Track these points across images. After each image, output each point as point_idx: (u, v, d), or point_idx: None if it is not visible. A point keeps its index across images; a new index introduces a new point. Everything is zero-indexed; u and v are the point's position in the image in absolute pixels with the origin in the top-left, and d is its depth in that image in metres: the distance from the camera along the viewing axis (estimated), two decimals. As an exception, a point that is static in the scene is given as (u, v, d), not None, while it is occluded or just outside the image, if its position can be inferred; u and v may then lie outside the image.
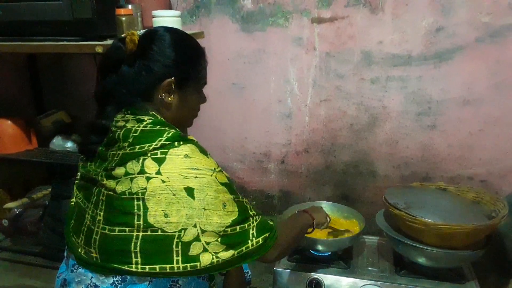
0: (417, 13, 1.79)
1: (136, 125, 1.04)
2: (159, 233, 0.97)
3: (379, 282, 1.55)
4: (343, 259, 1.68)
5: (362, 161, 2.05)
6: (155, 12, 1.73)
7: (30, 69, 2.37)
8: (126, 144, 1.02)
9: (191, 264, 0.98)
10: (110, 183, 1.01)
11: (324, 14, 1.89)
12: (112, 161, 1.02)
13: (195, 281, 1.12)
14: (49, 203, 2.11)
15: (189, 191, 0.98)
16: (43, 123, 2.17)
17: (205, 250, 0.99)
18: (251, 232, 1.06)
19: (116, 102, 1.08)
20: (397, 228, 1.59)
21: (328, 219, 1.55)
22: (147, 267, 0.98)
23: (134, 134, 1.02)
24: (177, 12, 1.78)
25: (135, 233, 0.97)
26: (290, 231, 1.28)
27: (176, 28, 1.17)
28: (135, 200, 0.97)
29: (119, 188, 0.99)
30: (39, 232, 2.12)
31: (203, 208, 0.98)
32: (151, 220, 0.96)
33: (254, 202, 2.27)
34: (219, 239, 1.00)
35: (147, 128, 1.03)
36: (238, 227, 1.03)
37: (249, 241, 1.05)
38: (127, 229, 0.98)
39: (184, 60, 1.09)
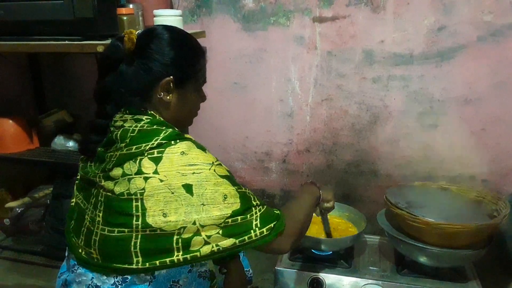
0: (418, 12, 1.78)
1: (134, 125, 1.03)
2: (158, 232, 0.96)
3: (380, 282, 1.55)
4: (345, 258, 1.68)
5: (363, 160, 2.05)
6: (156, 12, 1.73)
7: (31, 68, 2.37)
8: (123, 144, 1.01)
9: (191, 255, 0.98)
10: (108, 184, 1.00)
11: (325, 13, 1.89)
12: (110, 162, 1.02)
13: (196, 281, 1.12)
14: (51, 203, 2.11)
15: (188, 188, 0.97)
16: (45, 122, 2.17)
17: (206, 243, 0.98)
18: (254, 222, 1.03)
19: (115, 101, 1.07)
20: (399, 227, 1.59)
21: (333, 204, 1.51)
22: (147, 263, 0.98)
23: (131, 134, 1.02)
24: (178, 12, 1.78)
25: (134, 234, 0.97)
26: (300, 216, 1.22)
27: (174, 27, 1.16)
28: (134, 201, 0.97)
29: (117, 189, 0.99)
30: (41, 231, 2.13)
31: (202, 204, 0.97)
32: (149, 220, 0.96)
33: (255, 202, 2.27)
34: (220, 231, 0.99)
35: (144, 127, 1.03)
36: (239, 218, 1.01)
37: (252, 231, 1.02)
38: (126, 230, 0.98)
39: (182, 58, 1.09)
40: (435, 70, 1.83)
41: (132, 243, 0.97)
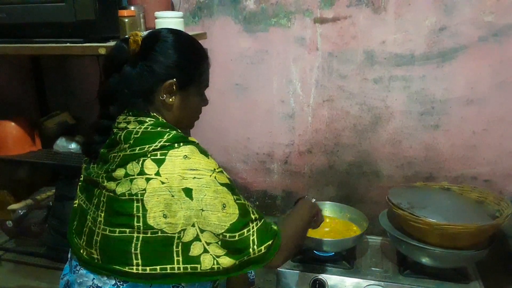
0: (420, 13, 1.78)
1: (138, 127, 1.04)
2: (159, 234, 0.97)
3: (382, 283, 1.55)
4: (347, 259, 1.68)
5: (365, 161, 2.05)
6: (157, 13, 1.74)
7: (33, 70, 2.38)
8: (127, 145, 1.02)
9: (191, 265, 0.98)
10: (111, 185, 1.01)
11: (326, 14, 1.89)
12: (113, 163, 1.03)
13: (199, 280, 1.12)
14: (53, 204, 2.11)
15: (187, 192, 0.97)
16: (47, 124, 2.17)
17: (205, 251, 0.99)
18: (251, 238, 1.03)
19: (118, 103, 1.08)
20: (401, 228, 1.59)
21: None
22: (147, 268, 0.98)
23: (135, 136, 1.02)
24: (180, 13, 1.78)
25: (135, 235, 0.97)
26: (296, 231, 1.22)
27: (179, 30, 1.17)
28: (135, 202, 0.97)
29: (119, 190, 0.99)
30: (43, 233, 2.13)
31: (201, 209, 0.98)
32: (150, 221, 0.97)
33: (257, 203, 2.28)
34: (219, 242, 1.00)
35: (148, 129, 1.03)
36: (237, 234, 1.01)
37: (251, 249, 1.03)
38: (127, 230, 0.98)
39: (186, 62, 1.09)
40: (437, 71, 1.83)
41: (133, 244, 0.98)
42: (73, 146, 2.08)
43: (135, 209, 0.97)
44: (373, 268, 1.65)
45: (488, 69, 1.78)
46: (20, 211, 2.17)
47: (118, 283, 1.02)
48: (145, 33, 1.13)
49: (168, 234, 0.97)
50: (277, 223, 1.15)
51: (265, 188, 2.25)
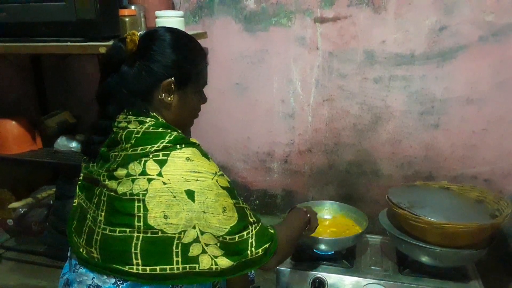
0: (420, 12, 1.78)
1: (138, 127, 1.04)
2: (159, 234, 0.97)
3: (382, 281, 1.55)
4: (347, 258, 1.68)
5: (365, 160, 2.05)
6: (158, 13, 1.74)
7: (34, 70, 2.38)
8: (128, 145, 1.02)
9: (190, 265, 0.99)
10: (112, 184, 1.01)
11: (327, 13, 1.89)
12: (114, 162, 1.03)
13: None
14: (54, 203, 2.12)
15: (190, 194, 0.98)
16: (48, 123, 2.18)
17: (204, 251, 0.99)
18: (250, 241, 1.06)
19: (117, 102, 1.08)
20: (401, 227, 1.59)
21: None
22: (147, 268, 0.98)
23: (136, 136, 1.03)
24: (180, 13, 1.79)
25: (135, 234, 0.98)
26: (291, 236, 1.26)
27: (176, 29, 1.17)
28: (136, 202, 0.98)
29: (120, 189, 0.99)
30: (44, 231, 2.13)
31: (203, 211, 0.98)
32: (151, 222, 0.97)
33: (257, 202, 2.28)
34: (218, 244, 1.01)
35: (149, 130, 1.04)
36: (236, 236, 1.03)
37: (248, 251, 1.05)
38: (127, 230, 0.98)
39: (184, 60, 1.09)
40: (437, 70, 1.83)
41: (133, 244, 0.98)
42: (73, 145, 2.09)
43: (136, 209, 0.98)
44: (373, 267, 1.65)
45: (488, 69, 1.78)
46: (20, 209, 2.17)
47: (118, 282, 1.02)
48: (142, 32, 1.13)
49: (168, 235, 0.97)
50: (273, 227, 1.17)
51: (265, 187, 2.25)
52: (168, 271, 0.99)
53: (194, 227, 0.98)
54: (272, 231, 1.14)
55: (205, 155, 1.06)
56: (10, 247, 2.21)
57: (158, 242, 0.98)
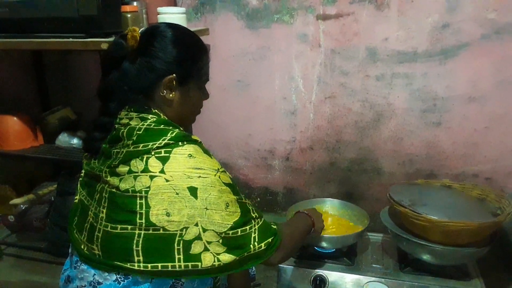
0: (422, 10, 1.78)
1: (140, 123, 1.04)
2: (161, 231, 0.97)
3: (383, 279, 1.55)
4: (348, 256, 1.68)
5: (366, 158, 2.05)
6: (160, 9, 1.74)
7: (35, 66, 2.38)
8: (130, 142, 1.02)
9: (192, 263, 0.98)
10: (114, 180, 1.01)
11: (329, 10, 1.89)
12: (116, 159, 1.03)
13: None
14: (55, 199, 2.12)
15: (192, 191, 0.98)
16: (49, 119, 2.18)
17: (206, 249, 0.99)
18: (253, 235, 1.05)
19: (118, 99, 1.08)
20: (402, 225, 1.59)
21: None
22: (149, 265, 0.98)
23: (138, 132, 1.02)
24: (182, 9, 1.78)
25: (137, 231, 0.97)
26: (294, 234, 1.25)
27: (178, 24, 1.16)
28: (138, 199, 0.97)
29: (123, 186, 0.99)
30: (45, 228, 2.13)
31: (205, 208, 0.98)
32: (153, 219, 0.97)
33: (258, 199, 2.28)
34: (220, 240, 1.00)
35: (151, 126, 1.03)
36: (239, 230, 1.03)
37: (251, 245, 1.04)
38: (129, 227, 0.98)
39: (185, 56, 1.09)
40: (439, 68, 1.83)
41: (134, 241, 0.98)
42: (74, 141, 2.08)
43: (138, 206, 0.97)
44: (374, 265, 1.65)
45: (490, 67, 1.78)
46: (22, 206, 2.17)
47: (119, 279, 1.02)
48: (143, 28, 1.13)
49: (170, 232, 0.97)
50: (276, 223, 1.17)
51: (266, 184, 2.25)
52: (170, 269, 0.98)
53: (196, 224, 0.98)
54: (274, 226, 1.13)
55: (207, 152, 1.06)
56: (12, 243, 2.21)
57: (159, 240, 0.97)
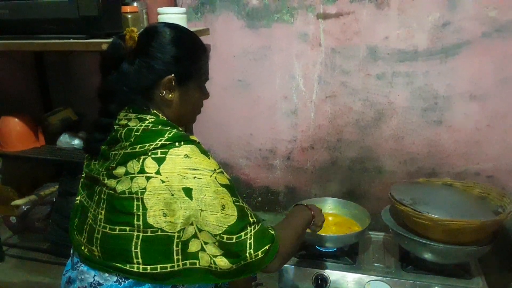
0: (423, 8, 1.78)
1: (138, 124, 1.03)
2: (159, 233, 0.96)
3: (385, 278, 1.55)
4: (349, 255, 1.68)
5: (368, 157, 2.05)
6: (160, 9, 1.74)
7: (37, 67, 2.38)
8: (128, 143, 1.01)
9: (190, 261, 0.98)
10: (111, 182, 1.01)
11: (329, 9, 1.89)
12: (114, 160, 1.02)
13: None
14: (57, 200, 2.12)
15: (187, 192, 0.97)
16: (50, 120, 2.18)
17: (203, 249, 0.98)
18: (248, 241, 1.02)
19: (118, 100, 1.07)
20: (403, 224, 1.59)
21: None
22: (148, 267, 0.98)
23: (135, 133, 1.02)
24: (182, 9, 1.78)
25: (135, 233, 0.97)
26: (292, 237, 1.20)
27: (176, 24, 1.15)
28: (135, 200, 0.97)
29: (119, 188, 0.99)
30: (47, 228, 2.14)
31: (200, 209, 0.97)
32: (150, 220, 0.96)
33: (259, 199, 2.28)
34: (216, 243, 0.99)
35: (149, 127, 1.03)
36: (234, 237, 1.00)
37: (247, 254, 1.01)
38: (127, 228, 0.98)
39: (184, 56, 1.08)
40: (440, 66, 1.83)
41: (133, 243, 0.98)
42: (76, 142, 2.09)
43: (135, 208, 0.97)
44: (375, 264, 1.65)
45: (492, 65, 1.78)
46: (23, 206, 2.18)
47: (120, 280, 1.01)
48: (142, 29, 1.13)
49: (168, 233, 0.97)
50: (275, 228, 1.14)
51: (268, 184, 2.25)
52: (169, 269, 0.98)
53: (191, 224, 0.97)
54: (272, 232, 1.10)
55: (204, 152, 1.04)
56: (14, 244, 2.22)
57: (158, 241, 0.97)
